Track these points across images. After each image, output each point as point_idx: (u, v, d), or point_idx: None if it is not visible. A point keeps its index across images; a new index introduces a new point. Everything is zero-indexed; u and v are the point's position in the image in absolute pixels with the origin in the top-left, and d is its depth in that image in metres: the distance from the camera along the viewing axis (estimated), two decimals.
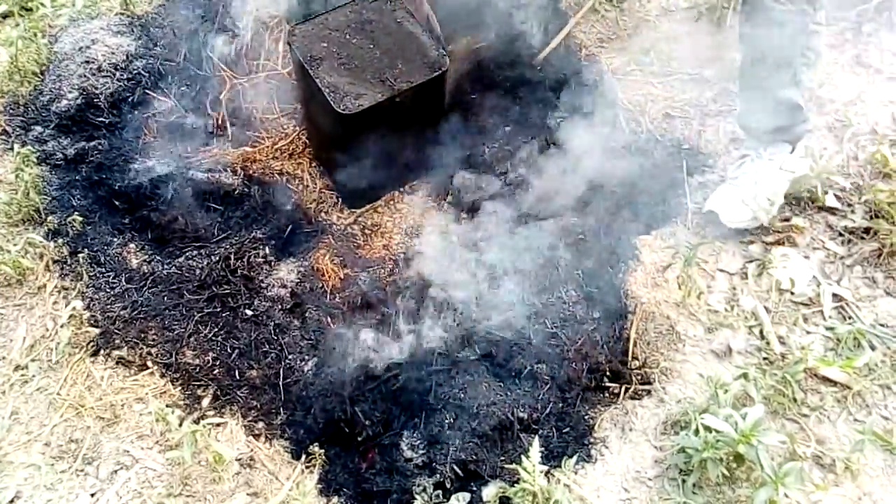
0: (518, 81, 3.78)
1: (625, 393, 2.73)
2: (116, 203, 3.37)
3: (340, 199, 3.58)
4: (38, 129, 3.55)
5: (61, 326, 2.91)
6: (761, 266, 3.01)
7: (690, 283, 2.89)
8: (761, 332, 2.85)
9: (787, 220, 3.18)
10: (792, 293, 2.97)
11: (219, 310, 2.97)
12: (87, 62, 3.70)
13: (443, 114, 3.32)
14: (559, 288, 2.90)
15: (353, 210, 3.55)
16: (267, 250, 3.23)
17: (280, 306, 3.00)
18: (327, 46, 3.11)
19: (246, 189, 3.49)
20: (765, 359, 2.79)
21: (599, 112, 3.69)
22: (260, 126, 3.81)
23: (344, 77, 3.01)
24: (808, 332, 2.86)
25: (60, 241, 3.17)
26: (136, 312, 2.95)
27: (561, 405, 2.66)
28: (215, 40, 3.87)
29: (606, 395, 2.76)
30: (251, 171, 3.64)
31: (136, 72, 3.76)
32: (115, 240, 3.23)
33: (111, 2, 4.08)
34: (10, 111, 3.61)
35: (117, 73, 3.71)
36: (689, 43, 4.11)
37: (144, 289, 3.03)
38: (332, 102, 2.93)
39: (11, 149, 3.43)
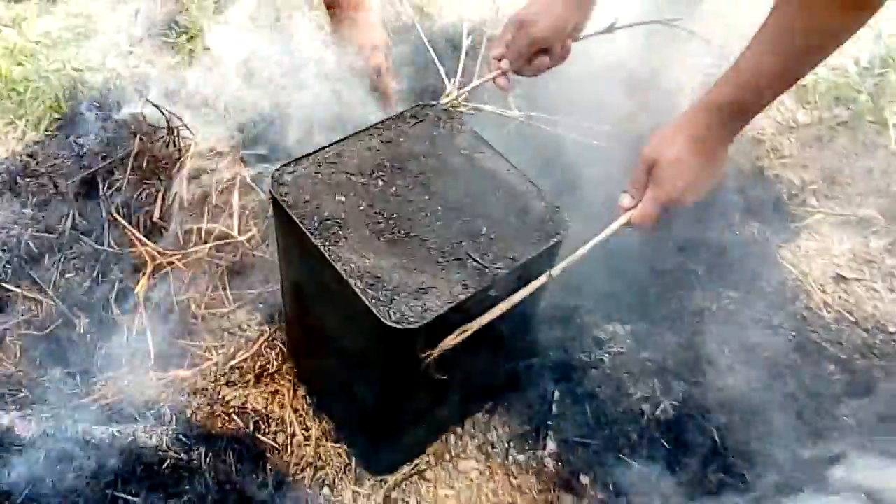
0: None
1: None
2: None
3: (354, 458, 2.02)
4: None
5: None
6: None
7: None
8: None
9: None
10: None
11: None
12: None
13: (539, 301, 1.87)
14: None
15: (381, 477, 1.99)
16: None
17: None
18: (347, 201, 1.66)
19: (178, 455, 1.90)
20: None
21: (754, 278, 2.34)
22: (203, 328, 2.26)
23: (386, 257, 1.55)
24: None
25: None
26: None
27: None
28: (129, 196, 2.35)
29: None
30: (189, 414, 2.07)
31: None
32: None
33: None
34: None
35: None
36: (823, 168, 2.88)
37: None
38: (373, 309, 1.44)
39: None
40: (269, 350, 2.26)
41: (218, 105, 2.56)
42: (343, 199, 1.66)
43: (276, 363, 2.22)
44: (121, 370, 2.14)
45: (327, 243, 1.56)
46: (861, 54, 3.12)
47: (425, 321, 1.45)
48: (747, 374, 1.97)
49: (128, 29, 3.06)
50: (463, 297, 1.49)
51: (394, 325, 1.44)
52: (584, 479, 1.95)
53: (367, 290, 1.48)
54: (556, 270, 1.57)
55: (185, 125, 2.39)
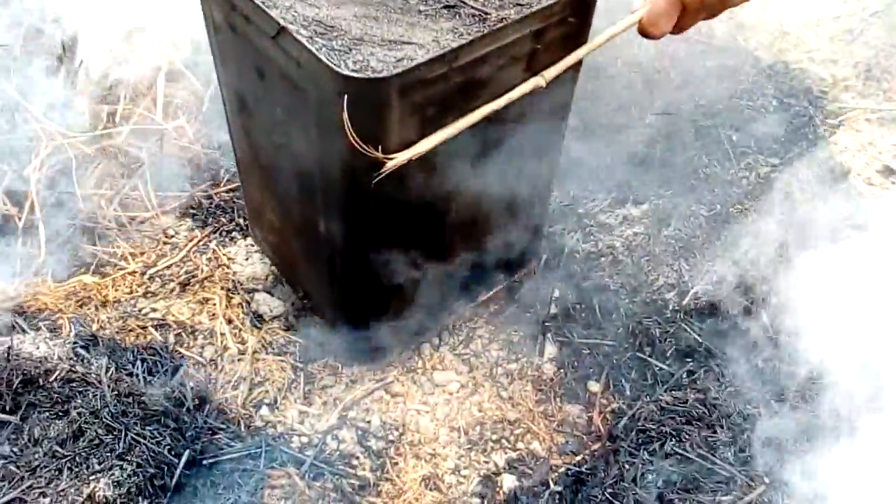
0: None
1: None
2: None
3: (335, 350, 1.60)
4: None
5: None
6: None
7: None
8: None
9: None
10: None
11: None
12: None
13: (566, 110, 1.41)
14: None
15: (368, 368, 1.56)
16: None
17: None
18: None
19: (72, 367, 1.45)
20: None
21: None
22: (116, 230, 1.83)
23: (345, 6, 1.12)
24: None
25: None
26: None
27: None
28: (26, 65, 1.92)
29: None
30: (95, 328, 1.64)
31: None
32: None
33: None
34: None
35: None
36: (856, 63, 2.49)
37: None
38: (322, 58, 1.01)
39: None
40: (198, 255, 1.83)
41: None
42: None
43: (206, 269, 1.79)
44: (6, 274, 1.70)
45: None
46: None
47: (399, 70, 0.99)
48: (798, 252, 1.55)
49: None
50: (455, 44, 1.03)
51: (352, 73, 0.98)
52: (594, 386, 1.52)
53: (316, 39, 1.04)
54: (550, 73, 1.15)
55: None
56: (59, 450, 1.37)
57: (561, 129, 1.41)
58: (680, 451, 1.23)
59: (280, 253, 1.69)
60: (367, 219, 1.23)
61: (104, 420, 1.42)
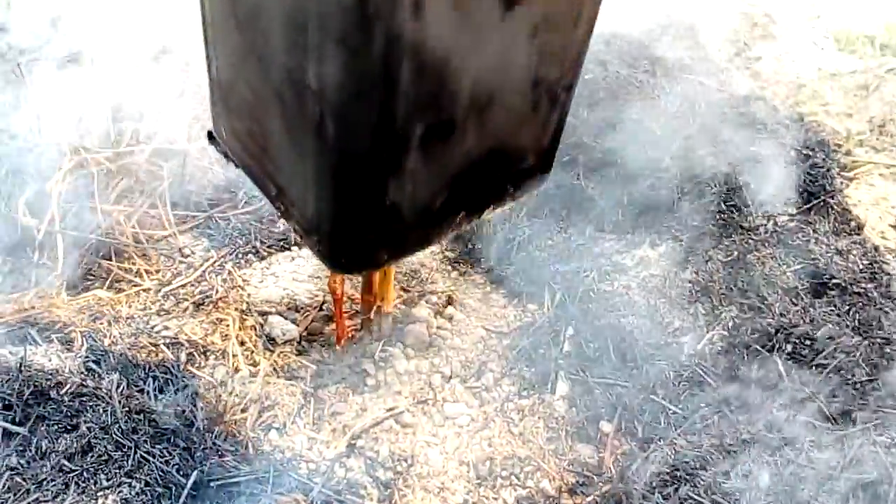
0: None
1: None
2: None
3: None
4: None
5: None
6: None
7: None
8: None
9: None
10: None
11: None
12: None
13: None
14: None
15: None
16: None
17: None
18: None
19: (83, 381, 1.45)
20: None
21: None
22: (133, 247, 1.84)
23: None
24: None
25: None
26: None
27: None
28: (52, 79, 1.95)
29: None
30: (108, 343, 1.64)
31: None
32: None
33: None
34: None
35: None
36: (871, 118, 2.52)
37: None
38: None
39: None
40: (213, 275, 1.83)
41: None
42: None
43: (221, 289, 1.80)
44: (23, 286, 1.71)
45: None
46: None
47: None
48: (812, 299, 1.55)
49: None
50: None
51: None
52: (606, 426, 1.51)
53: None
54: None
55: None
56: (67, 464, 1.36)
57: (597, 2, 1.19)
58: (694, 497, 1.22)
59: (252, 140, 1.36)
60: (370, 59, 1.00)
61: (114, 436, 1.41)
